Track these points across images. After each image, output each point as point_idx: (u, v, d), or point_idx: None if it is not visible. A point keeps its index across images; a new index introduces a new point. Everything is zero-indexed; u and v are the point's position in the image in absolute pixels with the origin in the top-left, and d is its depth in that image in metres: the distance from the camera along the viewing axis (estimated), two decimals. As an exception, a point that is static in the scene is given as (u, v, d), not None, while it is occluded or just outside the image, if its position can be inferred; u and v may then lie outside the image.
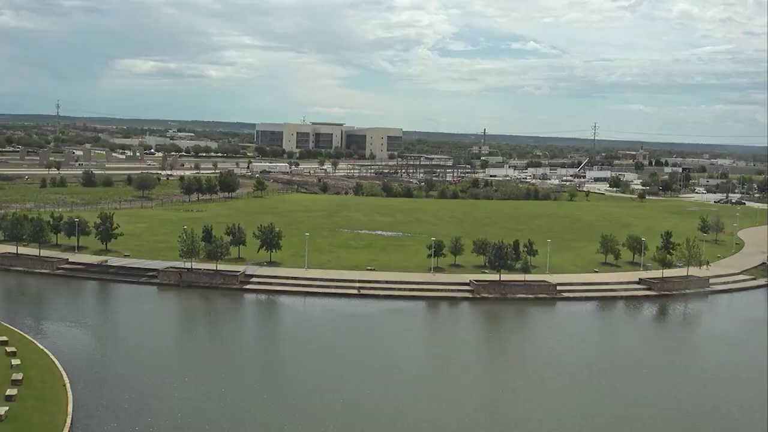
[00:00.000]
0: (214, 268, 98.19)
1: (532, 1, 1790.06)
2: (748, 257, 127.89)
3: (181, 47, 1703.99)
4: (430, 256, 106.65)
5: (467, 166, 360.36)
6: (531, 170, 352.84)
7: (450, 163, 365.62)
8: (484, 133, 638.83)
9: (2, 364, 59.99)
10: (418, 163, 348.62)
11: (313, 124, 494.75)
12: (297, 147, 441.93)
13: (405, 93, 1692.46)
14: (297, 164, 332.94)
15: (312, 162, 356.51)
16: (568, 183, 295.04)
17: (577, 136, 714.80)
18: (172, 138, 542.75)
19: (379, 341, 77.94)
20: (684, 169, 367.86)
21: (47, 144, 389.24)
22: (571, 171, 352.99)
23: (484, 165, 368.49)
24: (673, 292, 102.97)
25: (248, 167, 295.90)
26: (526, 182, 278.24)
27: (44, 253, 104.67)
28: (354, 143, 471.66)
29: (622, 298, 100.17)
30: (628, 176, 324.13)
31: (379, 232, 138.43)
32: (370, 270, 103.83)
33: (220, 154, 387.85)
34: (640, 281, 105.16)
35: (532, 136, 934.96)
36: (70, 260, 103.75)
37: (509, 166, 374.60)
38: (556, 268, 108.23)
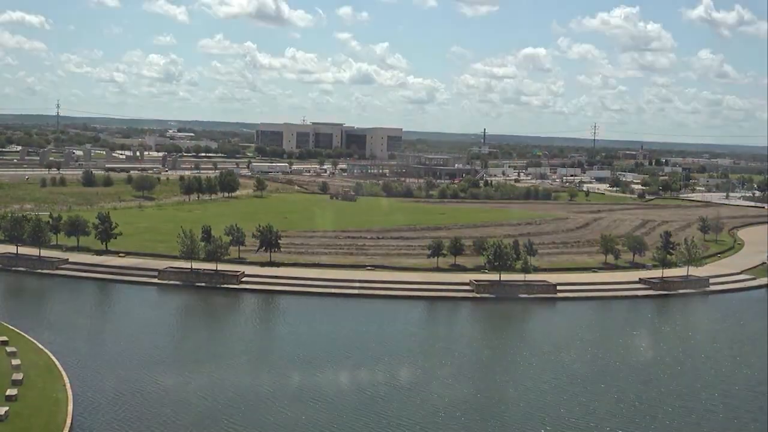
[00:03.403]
0: (214, 269, 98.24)
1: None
2: (748, 257, 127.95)
3: None
4: (430, 256, 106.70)
5: (468, 165, 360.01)
6: (531, 170, 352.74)
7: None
8: (484, 133, 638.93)
9: (2, 364, 60.04)
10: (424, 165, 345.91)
11: (314, 123, 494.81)
12: (297, 147, 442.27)
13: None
14: (293, 164, 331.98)
15: (312, 162, 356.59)
16: (568, 183, 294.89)
17: (577, 136, 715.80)
18: (172, 138, 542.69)
19: (378, 342, 77.91)
20: (684, 169, 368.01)
21: (47, 144, 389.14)
22: (572, 171, 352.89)
23: (484, 165, 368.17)
24: (673, 292, 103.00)
25: (248, 167, 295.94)
26: (524, 183, 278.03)
27: (44, 253, 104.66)
28: (354, 143, 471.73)
29: (622, 298, 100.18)
30: (628, 176, 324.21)
31: (379, 232, 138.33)
32: (370, 270, 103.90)
33: (220, 154, 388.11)
34: (640, 281, 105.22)
35: (533, 136, 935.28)
36: (70, 260, 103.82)
37: (509, 166, 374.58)
38: (556, 268, 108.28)
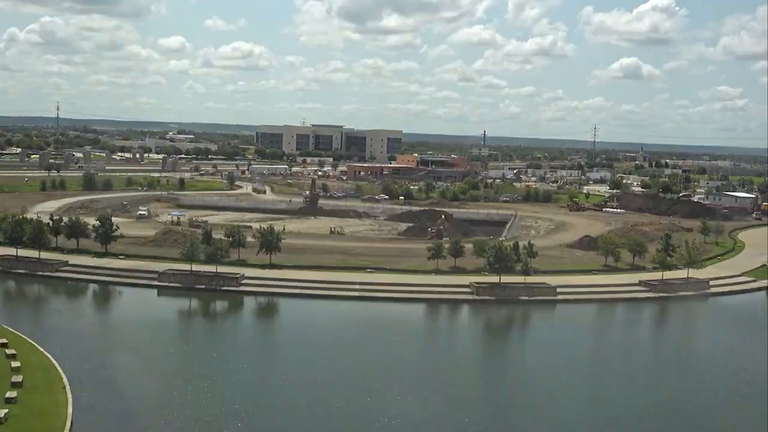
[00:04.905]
0: (214, 271, 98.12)
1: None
2: (749, 259, 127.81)
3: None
4: (430, 258, 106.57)
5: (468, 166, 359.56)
6: (530, 171, 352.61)
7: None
8: (485, 135, 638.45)
9: (2, 367, 59.97)
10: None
11: (314, 126, 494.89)
12: (297, 149, 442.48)
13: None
14: (291, 166, 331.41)
15: (312, 164, 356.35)
16: (569, 185, 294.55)
17: (577, 138, 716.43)
18: (171, 140, 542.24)
19: (379, 343, 77.82)
20: (684, 171, 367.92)
21: (47, 146, 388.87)
22: (572, 173, 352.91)
23: (485, 166, 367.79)
24: (673, 294, 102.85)
25: (248, 169, 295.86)
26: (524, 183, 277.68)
27: (44, 255, 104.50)
28: (354, 145, 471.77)
29: (622, 300, 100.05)
30: (630, 178, 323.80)
31: (379, 234, 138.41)
32: (371, 272, 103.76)
33: (220, 156, 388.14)
34: (640, 283, 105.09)
35: (533, 137, 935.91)
36: (70, 263, 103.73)
37: (509, 168, 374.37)
38: (556, 270, 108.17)
